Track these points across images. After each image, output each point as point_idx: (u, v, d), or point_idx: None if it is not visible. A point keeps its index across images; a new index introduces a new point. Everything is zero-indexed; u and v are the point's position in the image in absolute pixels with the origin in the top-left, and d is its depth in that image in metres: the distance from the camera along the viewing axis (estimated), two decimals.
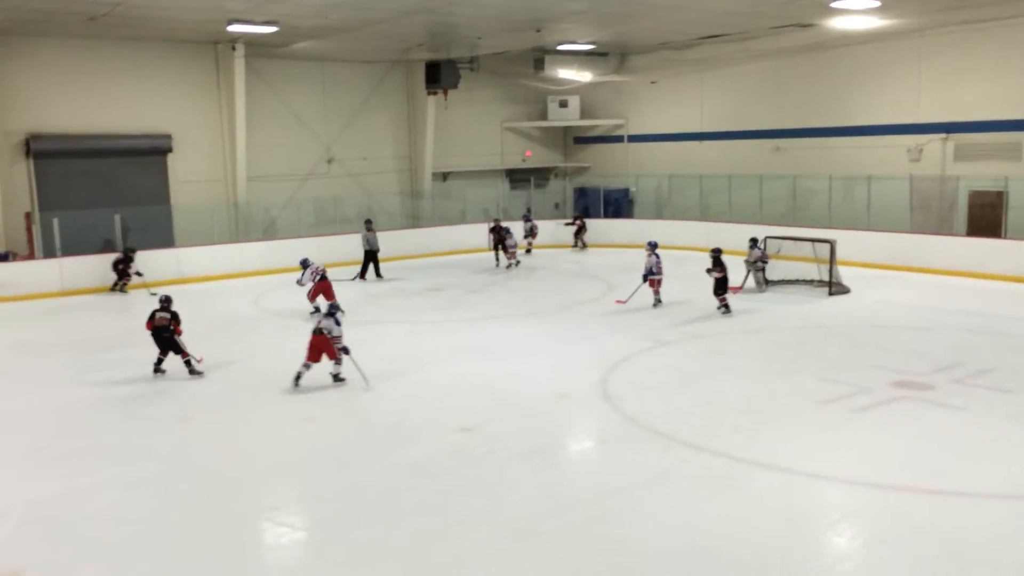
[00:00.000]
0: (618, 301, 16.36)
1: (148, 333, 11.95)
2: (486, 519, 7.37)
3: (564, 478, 8.47)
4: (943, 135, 20.61)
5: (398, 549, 6.86)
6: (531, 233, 23.98)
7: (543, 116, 29.65)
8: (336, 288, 16.03)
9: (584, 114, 29.36)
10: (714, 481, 8.09)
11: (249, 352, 13.62)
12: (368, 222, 21.04)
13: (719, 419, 9.72)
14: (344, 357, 11.35)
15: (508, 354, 13.08)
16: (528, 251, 23.74)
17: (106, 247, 20.24)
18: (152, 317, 11.83)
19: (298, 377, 11.26)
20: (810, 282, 17.71)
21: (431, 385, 11.45)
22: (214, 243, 21.68)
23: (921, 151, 21.07)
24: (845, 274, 17.56)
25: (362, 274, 20.39)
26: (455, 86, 25.60)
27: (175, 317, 11.84)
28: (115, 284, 19.28)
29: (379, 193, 26.25)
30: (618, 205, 27.29)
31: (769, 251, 17.82)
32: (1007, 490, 7.64)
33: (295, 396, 10.95)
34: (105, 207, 20.19)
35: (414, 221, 26.83)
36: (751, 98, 24.93)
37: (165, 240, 21.71)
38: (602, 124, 29.46)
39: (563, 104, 29.10)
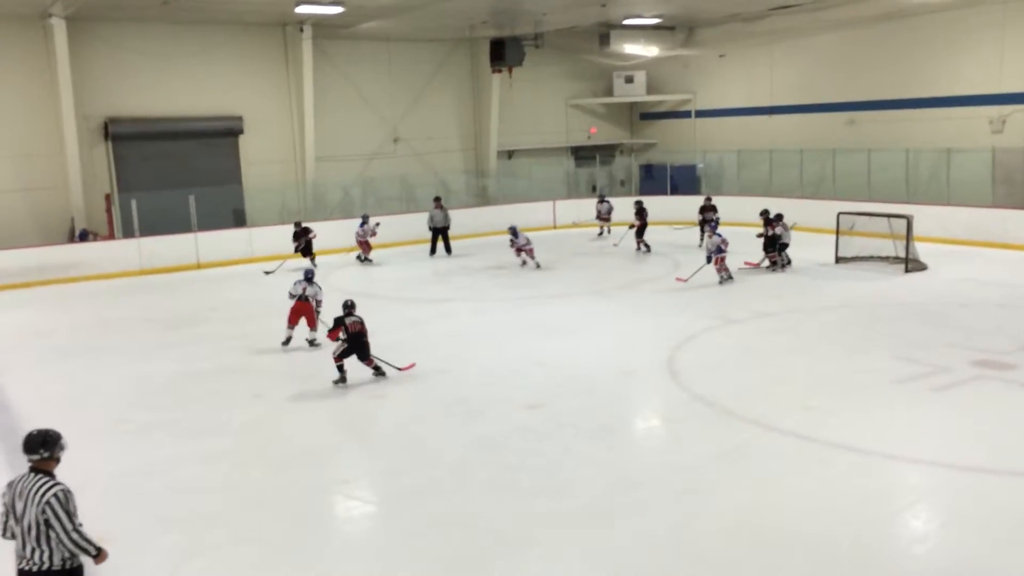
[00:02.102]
0: (678, 279, 16.17)
1: (332, 339, 10.64)
2: (554, 495, 7.38)
3: (631, 456, 8.44)
4: None
5: (466, 523, 6.93)
6: (606, 215, 22.88)
7: (608, 92, 29.32)
8: (399, 269, 16.15)
9: (650, 90, 28.93)
10: (784, 460, 7.95)
11: (319, 329, 13.85)
12: (437, 199, 21.26)
13: (789, 398, 9.54)
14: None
15: (573, 332, 13.05)
16: (600, 232, 22.94)
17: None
18: (341, 325, 10.43)
19: (287, 340, 12.33)
20: (885, 259, 17.20)
21: (497, 362, 11.50)
22: (284, 223, 22.08)
23: (1004, 122, 20.19)
24: (922, 250, 17.01)
25: (432, 250, 20.64)
26: (520, 63, 25.47)
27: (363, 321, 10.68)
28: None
29: (444, 172, 26.38)
30: (685, 181, 26.86)
31: (843, 226, 17.41)
32: None
33: (364, 373, 11.11)
34: (180, 188, 20.75)
35: (480, 199, 26.90)
36: (823, 70, 24.20)
37: (237, 220, 22.25)
38: (669, 99, 29.01)
39: (629, 80, 28.72)
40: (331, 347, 10.77)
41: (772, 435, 8.53)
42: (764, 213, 17.52)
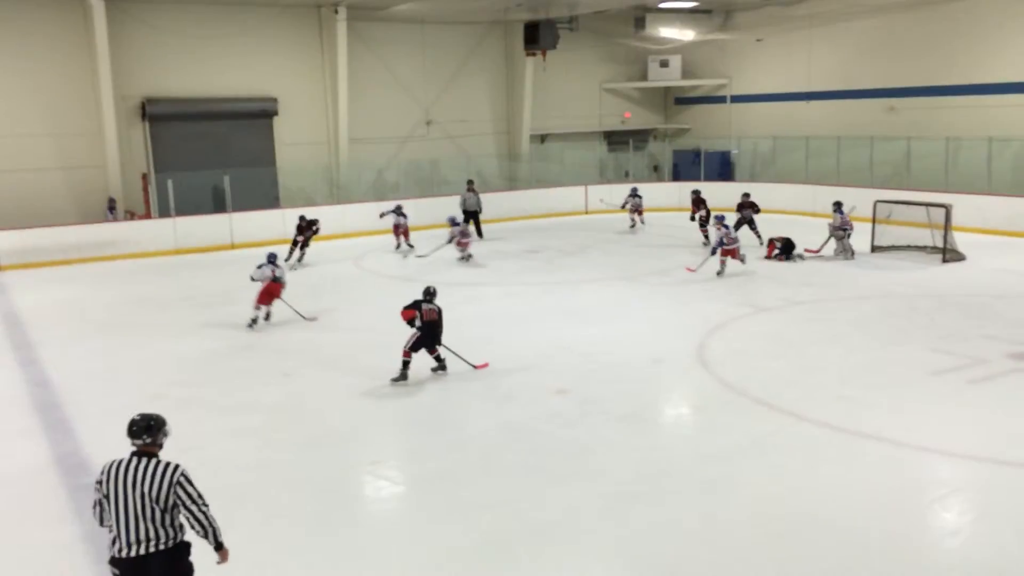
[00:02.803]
0: (688, 269, 15.99)
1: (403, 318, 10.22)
2: (582, 481, 7.40)
3: (660, 443, 8.42)
4: None
5: (495, 506, 6.96)
6: (636, 209, 21.60)
7: (643, 77, 29.07)
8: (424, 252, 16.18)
9: (685, 74, 28.64)
10: (815, 450, 7.89)
11: (350, 311, 13.99)
12: (470, 182, 21.32)
13: (821, 388, 9.45)
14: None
15: (604, 318, 13.02)
16: (632, 225, 21.73)
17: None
18: (416, 309, 10.07)
19: (253, 321, 12.61)
20: (922, 248, 16.93)
21: (527, 347, 11.50)
22: (317, 204, 22.22)
23: None
24: (961, 240, 16.72)
25: (477, 232, 20.64)
26: (554, 46, 25.32)
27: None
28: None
29: (477, 155, 26.36)
30: (721, 168, 26.57)
31: (880, 215, 17.15)
32: None
33: (394, 355, 11.17)
34: (214, 168, 20.94)
35: (512, 183, 26.86)
36: (862, 56, 23.78)
37: (271, 201, 22.43)
38: (704, 84, 28.69)
39: (664, 64, 28.44)
40: (308, 323, 10.90)
41: (803, 425, 8.46)
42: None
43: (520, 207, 24.20)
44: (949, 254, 16.28)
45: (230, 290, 15.62)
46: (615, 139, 29.08)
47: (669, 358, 10.83)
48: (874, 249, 17.19)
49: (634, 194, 21.77)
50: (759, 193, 21.13)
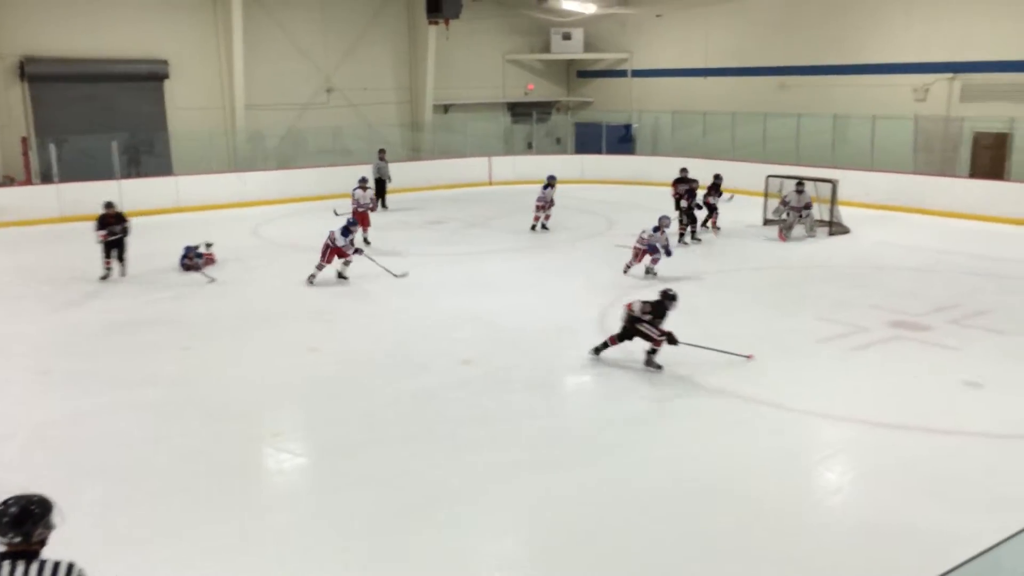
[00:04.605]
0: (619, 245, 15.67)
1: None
2: (488, 449, 7.49)
3: (564, 411, 8.60)
4: (950, 75, 20.32)
5: (400, 475, 6.99)
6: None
7: (546, 49, 29.17)
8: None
9: (588, 47, 28.88)
10: (711, 417, 8.21)
11: (250, 282, 13.67)
12: (381, 151, 21.11)
13: (718, 356, 9.80)
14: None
15: (509, 288, 13.13)
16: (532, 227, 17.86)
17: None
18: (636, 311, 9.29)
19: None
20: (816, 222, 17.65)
21: (433, 318, 11.51)
22: (213, 172, 21.51)
23: (927, 91, 20.81)
24: (846, 214, 17.52)
25: (381, 203, 20.41)
26: (457, 16, 25.01)
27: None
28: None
29: (380, 124, 25.98)
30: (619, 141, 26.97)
31: (772, 189, 17.76)
32: (996, 429, 7.75)
33: (298, 326, 11.01)
34: (102, 133, 19.98)
35: (415, 153, 26.63)
36: (757, 34, 24.50)
37: (163, 168, 21.58)
38: (606, 58, 29.01)
39: (566, 37, 28.60)
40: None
41: (700, 392, 8.78)
42: (718, 178, 17.37)
43: (424, 177, 24.04)
44: (835, 227, 17.04)
45: None
46: (519, 111, 29.13)
47: (573, 327, 11.02)
48: (766, 222, 17.84)
49: (550, 183, 17.88)
50: (660, 167, 21.63)
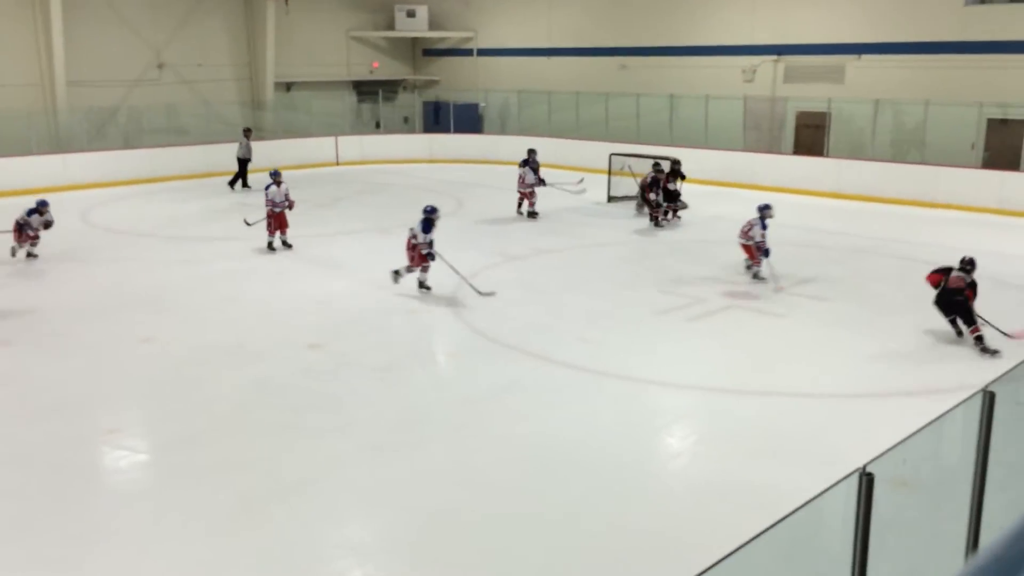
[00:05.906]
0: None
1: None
2: (338, 434, 7.39)
3: (415, 392, 8.58)
4: (774, 57, 21.56)
5: (247, 465, 6.78)
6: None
7: (390, 26, 28.74)
8: (171, 205, 15.25)
9: (433, 25, 28.68)
10: (559, 391, 8.42)
11: (80, 270, 12.83)
12: (247, 130, 20.54)
13: (566, 331, 10.05)
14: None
15: (358, 270, 12.94)
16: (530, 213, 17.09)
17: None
18: (944, 272, 9.36)
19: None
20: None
21: (278, 302, 11.21)
22: (32, 153, 19.98)
23: (755, 72, 21.99)
24: (685, 190, 18.27)
25: (244, 182, 19.96)
26: None
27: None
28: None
29: (217, 102, 24.86)
30: (468, 120, 27.02)
31: (615, 167, 18.28)
32: (820, 390, 8.36)
33: (130, 316, 10.44)
34: None
35: (257, 133, 25.63)
36: (598, 16, 25.09)
37: None
38: (451, 36, 28.93)
39: (411, 14, 28.29)
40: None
41: (549, 367, 8.98)
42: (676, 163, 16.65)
43: (268, 157, 23.12)
44: (679, 204, 17.74)
45: None
46: (365, 89, 28.61)
47: (422, 308, 11.01)
48: (610, 199, 18.37)
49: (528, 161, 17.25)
50: (508, 146, 21.80)
